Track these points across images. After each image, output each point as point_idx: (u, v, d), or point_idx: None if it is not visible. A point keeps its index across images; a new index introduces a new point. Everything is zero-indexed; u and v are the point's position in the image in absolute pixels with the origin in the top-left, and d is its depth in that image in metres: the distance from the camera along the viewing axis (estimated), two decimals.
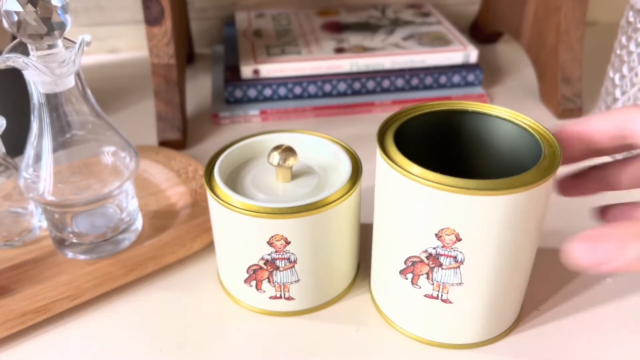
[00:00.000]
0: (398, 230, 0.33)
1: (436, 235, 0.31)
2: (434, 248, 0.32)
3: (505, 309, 0.35)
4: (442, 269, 0.32)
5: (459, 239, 0.31)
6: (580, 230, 0.27)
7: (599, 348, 0.36)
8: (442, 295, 0.33)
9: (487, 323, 0.35)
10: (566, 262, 0.28)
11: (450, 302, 0.33)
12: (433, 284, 0.33)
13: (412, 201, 0.31)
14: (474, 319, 0.34)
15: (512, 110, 0.35)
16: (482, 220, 0.30)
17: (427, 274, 0.33)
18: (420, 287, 0.34)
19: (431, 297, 0.34)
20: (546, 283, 0.41)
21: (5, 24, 0.33)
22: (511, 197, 0.29)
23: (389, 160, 0.31)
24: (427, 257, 0.32)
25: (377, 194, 0.35)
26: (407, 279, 0.34)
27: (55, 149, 0.38)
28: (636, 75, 0.50)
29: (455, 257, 0.32)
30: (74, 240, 0.41)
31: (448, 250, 0.31)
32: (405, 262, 0.33)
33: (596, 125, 0.32)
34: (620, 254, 0.26)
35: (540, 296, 0.40)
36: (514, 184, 0.29)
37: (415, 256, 0.33)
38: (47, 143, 0.38)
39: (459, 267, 0.32)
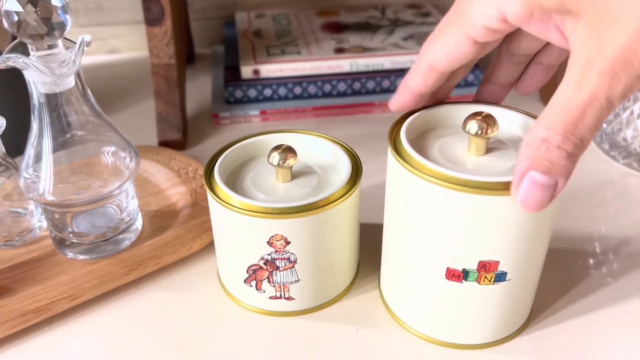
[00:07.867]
0: (414, 232, 0.33)
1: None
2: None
3: (518, 308, 0.35)
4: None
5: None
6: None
7: (609, 348, 0.36)
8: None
9: (500, 323, 0.35)
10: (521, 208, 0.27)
11: (466, 302, 0.33)
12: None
13: (431, 203, 0.31)
14: (487, 319, 0.34)
15: (515, 108, 0.35)
16: (497, 220, 0.30)
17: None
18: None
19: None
20: (555, 284, 0.40)
21: (6, 24, 0.33)
22: None
23: (403, 162, 0.31)
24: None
25: (389, 194, 0.34)
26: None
27: (55, 149, 0.38)
28: None
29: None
30: (74, 240, 0.41)
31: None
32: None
33: (416, 86, 0.35)
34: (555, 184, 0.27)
35: (549, 297, 0.39)
36: None
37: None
38: (48, 143, 0.38)
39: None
